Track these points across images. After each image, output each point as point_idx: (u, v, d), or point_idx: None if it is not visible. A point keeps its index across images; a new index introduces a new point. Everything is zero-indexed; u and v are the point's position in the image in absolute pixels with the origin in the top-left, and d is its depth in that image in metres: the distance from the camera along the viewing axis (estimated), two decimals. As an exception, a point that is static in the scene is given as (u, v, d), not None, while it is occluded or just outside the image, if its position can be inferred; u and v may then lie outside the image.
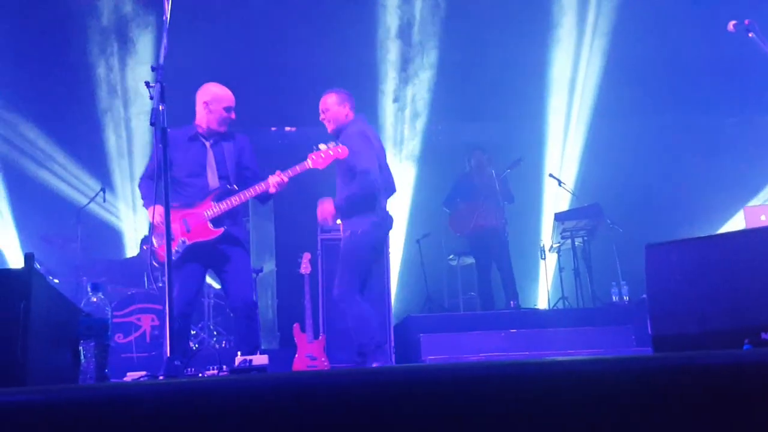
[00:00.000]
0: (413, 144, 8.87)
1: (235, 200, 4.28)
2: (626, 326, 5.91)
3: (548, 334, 6.06)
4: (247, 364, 3.50)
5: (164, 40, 3.70)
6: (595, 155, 8.75)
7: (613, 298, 7.00)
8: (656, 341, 2.57)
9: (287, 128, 9.40)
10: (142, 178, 4.60)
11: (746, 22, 4.10)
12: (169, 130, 3.56)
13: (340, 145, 4.39)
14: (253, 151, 4.61)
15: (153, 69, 3.62)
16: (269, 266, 7.48)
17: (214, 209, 4.26)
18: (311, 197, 7.66)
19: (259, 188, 4.30)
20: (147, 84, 3.55)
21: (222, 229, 4.25)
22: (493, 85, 8.14)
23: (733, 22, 4.14)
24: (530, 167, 8.10)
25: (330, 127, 4.79)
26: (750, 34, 4.07)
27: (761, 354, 1.82)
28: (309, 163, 4.39)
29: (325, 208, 4.65)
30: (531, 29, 8.11)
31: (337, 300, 4.62)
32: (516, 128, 9.02)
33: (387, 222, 4.88)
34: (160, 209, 4.11)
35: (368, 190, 4.63)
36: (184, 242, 4.22)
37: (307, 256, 5.77)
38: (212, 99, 4.42)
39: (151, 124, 3.49)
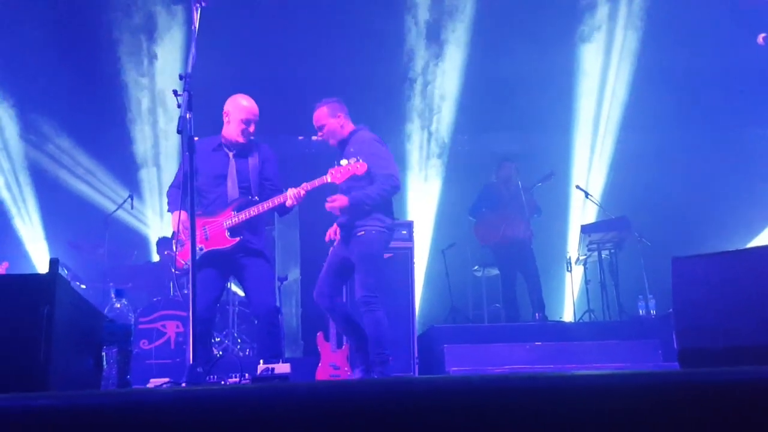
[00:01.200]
0: (439, 154, 8.87)
1: (252, 211, 4.32)
2: (653, 340, 5.82)
3: (574, 347, 5.99)
4: (269, 372, 3.51)
5: (192, 50, 3.76)
6: (622, 167, 8.67)
7: (640, 311, 6.91)
8: (682, 355, 2.52)
9: (314, 137, 9.44)
10: (170, 186, 4.68)
11: None
12: (196, 139, 3.61)
13: (361, 161, 4.37)
14: (276, 163, 4.64)
15: (181, 78, 3.66)
16: (294, 274, 7.50)
17: (233, 219, 4.31)
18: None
19: (276, 200, 4.33)
20: (175, 92, 3.61)
21: (237, 239, 4.30)
22: (521, 95, 8.13)
23: (763, 35, 4.10)
24: (557, 178, 8.04)
25: (331, 142, 4.72)
26: None
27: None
28: (328, 178, 4.38)
29: (339, 198, 4.56)
30: (559, 41, 8.08)
31: (361, 302, 4.52)
32: (543, 139, 8.98)
33: (394, 229, 4.83)
34: (182, 216, 4.18)
35: (390, 194, 4.61)
36: (201, 249, 4.27)
37: (331, 265, 5.76)
38: (233, 110, 4.48)
39: (178, 132, 3.54)
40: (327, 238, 4.85)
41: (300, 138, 9.48)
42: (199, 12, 3.84)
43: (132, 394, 1.82)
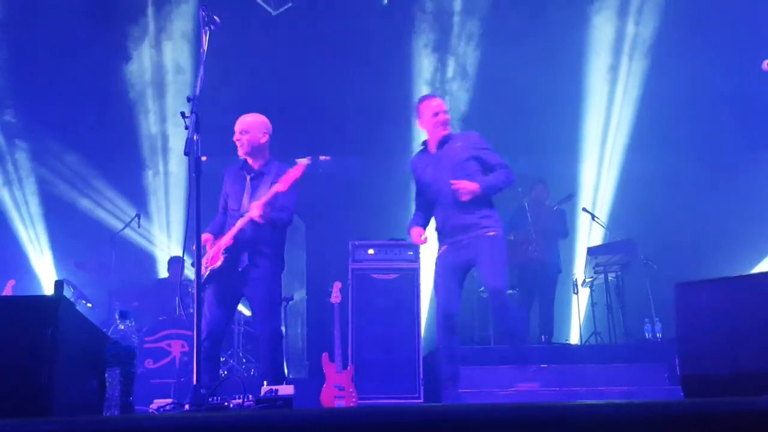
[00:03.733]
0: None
1: (233, 230, 4.31)
2: (659, 364, 5.78)
3: (579, 369, 5.95)
4: (273, 394, 3.50)
5: (201, 72, 3.80)
6: (630, 190, 8.66)
7: (646, 335, 6.86)
8: (685, 381, 2.51)
9: (322, 157, 9.51)
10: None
11: None
12: (204, 159, 3.65)
13: (299, 162, 4.41)
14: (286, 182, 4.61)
15: (189, 100, 3.70)
16: (300, 294, 7.51)
17: (225, 238, 4.33)
18: (342, 226, 7.76)
19: (242, 220, 4.30)
20: (182, 114, 3.64)
21: (220, 259, 4.28)
22: (527, 118, 8.15)
23: (767, 61, 4.11)
24: (574, 201, 8.10)
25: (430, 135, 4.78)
26: None
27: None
28: (276, 186, 4.32)
29: (469, 184, 4.45)
30: (566, 63, 8.12)
31: (502, 291, 4.59)
32: (551, 161, 8.98)
33: None
34: (204, 237, 4.33)
35: (507, 187, 4.65)
36: (207, 269, 4.30)
37: (337, 285, 5.78)
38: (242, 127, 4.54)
39: (186, 153, 3.56)
40: (420, 241, 4.81)
41: (324, 158, 9.55)
42: (208, 35, 3.89)
43: (131, 421, 1.83)
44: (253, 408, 3.19)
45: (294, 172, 4.28)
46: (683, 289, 2.66)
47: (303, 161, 4.54)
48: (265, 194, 4.31)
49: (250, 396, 3.50)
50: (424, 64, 8.33)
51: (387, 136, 8.54)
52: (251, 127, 4.51)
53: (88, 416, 2.03)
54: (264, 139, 4.53)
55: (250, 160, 4.54)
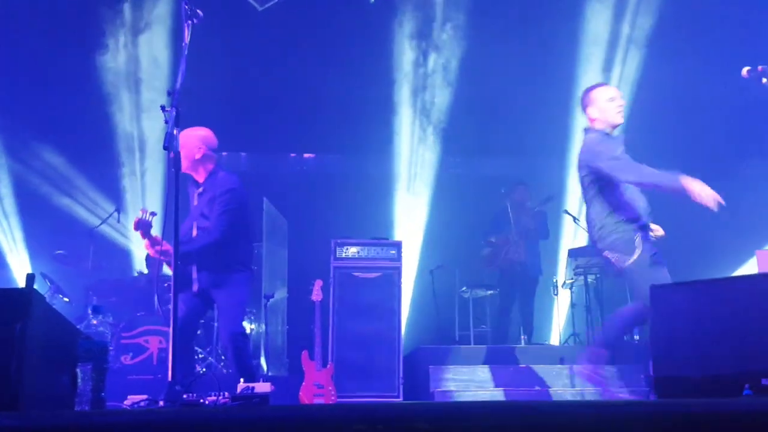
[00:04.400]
0: (427, 174, 8.88)
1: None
2: (635, 365, 5.83)
3: (558, 370, 5.99)
4: (250, 391, 3.49)
5: (182, 66, 3.76)
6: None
7: (624, 337, 6.90)
8: (657, 382, 2.53)
9: (306, 155, 9.50)
10: None
11: (759, 68, 4.10)
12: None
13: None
14: (220, 199, 4.43)
15: (169, 94, 3.66)
16: (281, 292, 7.48)
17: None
18: (325, 224, 7.75)
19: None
20: (162, 108, 3.60)
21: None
22: (514, 119, 8.15)
23: (747, 68, 4.14)
24: (555, 203, 8.12)
25: None
26: (764, 80, 4.07)
27: (759, 404, 1.79)
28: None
29: None
30: (555, 61, 8.09)
31: None
32: (536, 163, 9.01)
33: None
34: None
35: None
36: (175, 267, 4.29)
37: (319, 283, 5.76)
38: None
39: (165, 148, 3.53)
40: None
41: (292, 155, 9.53)
42: (190, 28, 3.85)
43: (100, 416, 1.82)
44: (228, 405, 3.17)
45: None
46: (658, 291, 2.68)
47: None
48: (203, 213, 4.35)
49: (226, 393, 3.49)
50: (407, 61, 8.31)
51: (370, 135, 8.54)
52: (185, 144, 4.29)
53: (57, 411, 2.01)
54: (200, 154, 4.42)
55: (193, 175, 4.49)
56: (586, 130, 4.49)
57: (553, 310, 8.10)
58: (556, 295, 7.77)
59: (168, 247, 4.08)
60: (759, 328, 2.34)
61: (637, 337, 6.85)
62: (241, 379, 3.83)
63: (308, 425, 1.89)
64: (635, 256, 3.93)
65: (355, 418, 1.84)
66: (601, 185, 4.24)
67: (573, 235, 8.71)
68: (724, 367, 2.33)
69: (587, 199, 4.32)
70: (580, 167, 4.36)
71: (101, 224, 7.28)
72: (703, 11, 7.60)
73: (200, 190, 4.49)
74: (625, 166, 4.17)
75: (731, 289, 2.46)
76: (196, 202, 4.50)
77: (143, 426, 1.92)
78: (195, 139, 4.44)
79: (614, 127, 4.46)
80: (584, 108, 4.52)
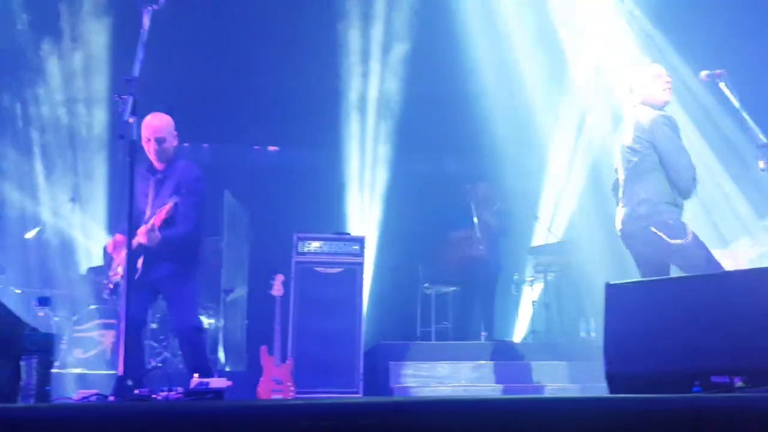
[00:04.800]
0: (389, 171, 8.79)
1: (134, 242, 4.11)
2: (592, 362, 5.89)
3: (517, 366, 6.05)
4: (204, 386, 3.42)
5: (140, 53, 3.67)
6: (570, 192, 8.71)
7: (581, 333, 6.99)
8: (610, 379, 2.55)
9: (270, 147, 9.41)
10: None
11: (717, 72, 4.17)
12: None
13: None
14: (191, 184, 4.43)
15: (126, 81, 3.57)
16: (241, 286, 7.40)
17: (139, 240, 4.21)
18: (288, 219, 7.67)
19: (137, 241, 4.15)
20: (118, 95, 3.51)
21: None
22: (469, 115, 8.07)
23: (705, 72, 4.20)
24: (512, 199, 8.12)
25: None
26: (721, 84, 4.13)
27: (706, 400, 1.81)
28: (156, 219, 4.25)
29: None
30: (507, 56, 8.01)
31: None
32: (497, 160, 8.99)
33: None
34: (117, 239, 4.26)
35: None
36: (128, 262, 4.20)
37: (280, 277, 5.71)
38: (142, 128, 4.34)
39: (120, 137, 3.44)
40: None
41: (256, 147, 9.43)
42: (150, 14, 3.77)
43: (44, 410, 1.76)
44: (179, 400, 3.11)
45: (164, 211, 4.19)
46: (613, 289, 2.70)
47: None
48: (165, 203, 4.24)
49: (180, 388, 3.43)
50: (357, 53, 8.18)
51: (334, 129, 8.47)
52: (167, 133, 4.39)
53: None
54: (176, 143, 4.46)
55: (155, 162, 4.43)
56: (639, 107, 4.40)
57: (514, 307, 8.16)
58: (517, 292, 7.83)
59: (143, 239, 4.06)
60: (709, 326, 2.37)
61: (593, 334, 6.93)
62: (195, 375, 3.77)
63: (257, 421, 1.86)
64: (689, 238, 3.97)
65: (305, 415, 1.82)
66: (655, 164, 4.20)
67: (535, 233, 8.76)
68: (675, 365, 2.36)
69: (636, 173, 4.24)
70: (637, 140, 4.27)
71: (55, 215, 7.12)
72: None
73: (159, 176, 4.41)
74: (682, 154, 4.19)
75: (683, 288, 2.49)
76: (152, 190, 4.40)
77: (90, 421, 1.87)
78: (171, 127, 4.43)
79: (663, 104, 4.42)
80: (632, 87, 4.46)
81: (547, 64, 7.93)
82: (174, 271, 4.31)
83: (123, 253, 4.14)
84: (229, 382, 3.67)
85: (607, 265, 7.09)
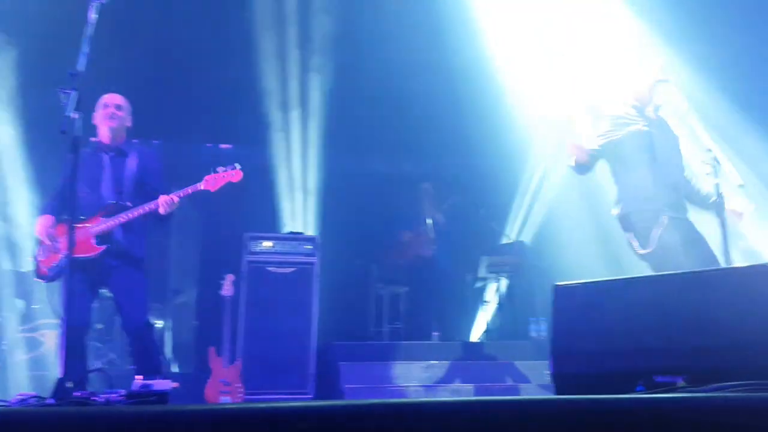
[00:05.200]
0: (336, 174, 8.65)
1: (122, 218, 4.15)
2: (543, 362, 5.96)
3: (469, 366, 6.07)
4: (147, 388, 3.34)
5: (85, 47, 3.58)
6: (525, 193, 8.78)
7: (533, 333, 7.06)
8: (556, 379, 2.57)
9: (222, 145, 9.27)
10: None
11: (664, 78, 4.27)
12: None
13: (238, 168, 4.39)
14: (159, 168, 4.51)
15: (71, 75, 3.48)
16: (191, 286, 7.28)
17: (101, 225, 4.13)
18: (239, 218, 7.55)
19: (147, 207, 4.19)
20: (61, 90, 3.42)
21: (103, 247, 4.12)
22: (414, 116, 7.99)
23: (656, 78, 4.30)
24: (464, 199, 8.15)
25: None
26: (668, 90, 4.24)
27: (650, 400, 1.82)
28: (202, 185, 4.34)
29: None
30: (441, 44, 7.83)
31: None
32: (446, 160, 8.98)
33: None
34: (44, 221, 4.16)
35: None
36: (67, 256, 4.09)
37: (230, 278, 5.64)
38: (97, 106, 4.40)
39: (62, 132, 3.36)
40: None
41: (208, 145, 9.27)
42: (96, 9, 3.69)
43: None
44: (120, 403, 3.03)
45: (229, 176, 4.34)
46: (560, 290, 2.73)
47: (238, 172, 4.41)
48: (128, 177, 4.27)
49: (122, 391, 3.34)
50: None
51: (285, 128, 8.36)
52: (125, 107, 4.48)
53: None
54: (129, 124, 4.50)
55: (108, 140, 4.39)
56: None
57: (468, 307, 8.18)
58: (470, 292, 7.87)
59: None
60: (653, 326, 2.41)
61: (544, 334, 7.01)
62: (138, 376, 3.68)
63: (197, 426, 1.81)
64: None
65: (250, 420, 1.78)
66: None
67: (490, 233, 8.79)
68: (620, 365, 2.39)
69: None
70: None
71: None
72: None
73: (113, 153, 4.38)
74: None
75: (629, 289, 2.53)
76: (107, 166, 4.33)
77: (26, 424, 1.81)
78: (129, 106, 4.48)
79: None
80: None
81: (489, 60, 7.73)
82: (133, 264, 4.25)
83: (65, 240, 4.06)
84: (176, 384, 3.59)
85: (564, 266, 7.18)
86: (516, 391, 5.72)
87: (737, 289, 2.30)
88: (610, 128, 4.32)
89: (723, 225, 3.60)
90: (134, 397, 3.16)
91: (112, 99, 4.43)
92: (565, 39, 7.06)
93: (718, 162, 3.60)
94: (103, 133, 4.40)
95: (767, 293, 2.23)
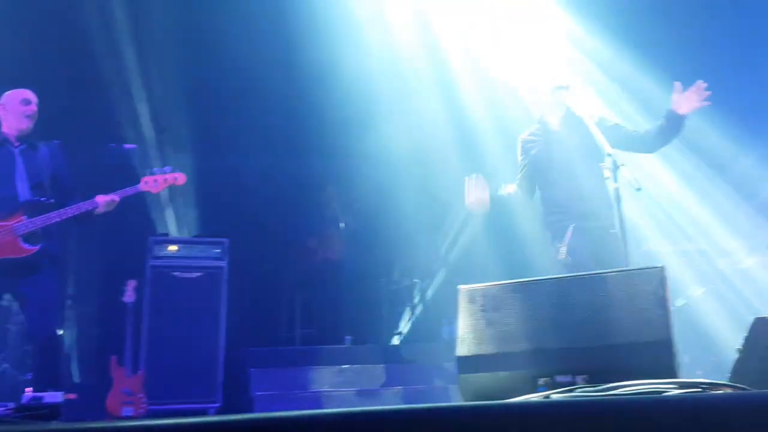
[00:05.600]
0: (246, 175, 8.40)
1: (53, 216, 3.93)
2: (453, 363, 6.03)
3: (381, 370, 6.06)
4: (38, 401, 3.16)
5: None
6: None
7: (445, 336, 7.13)
8: (461, 381, 2.59)
9: (126, 146, 8.95)
10: None
11: (563, 83, 4.42)
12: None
13: (179, 173, 4.27)
14: (66, 163, 4.31)
15: None
16: (92, 292, 6.96)
17: (27, 225, 3.88)
18: (141, 222, 7.28)
19: (84, 206, 3.99)
20: None
21: (36, 248, 3.89)
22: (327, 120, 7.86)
23: (554, 84, 4.45)
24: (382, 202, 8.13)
25: None
26: (567, 97, 4.39)
27: (546, 405, 1.84)
28: (141, 186, 4.16)
29: None
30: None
31: None
32: (351, 162, 8.91)
33: None
34: None
35: None
36: None
37: (132, 283, 5.44)
38: (6, 100, 4.19)
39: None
40: None
41: (112, 145, 8.93)
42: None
43: None
44: (8, 417, 2.85)
45: (172, 179, 4.24)
46: (465, 293, 2.75)
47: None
48: (43, 170, 4.06)
49: (11, 404, 3.15)
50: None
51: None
52: (35, 103, 4.30)
53: None
54: (35, 119, 4.32)
55: (16, 134, 4.17)
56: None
57: (381, 310, 8.18)
58: (385, 295, 7.88)
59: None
60: (553, 327, 2.45)
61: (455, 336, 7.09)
62: (28, 389, 3.49)
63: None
64: None
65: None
66: None
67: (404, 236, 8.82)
68: (522, 366, 2.42)
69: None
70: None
71: None
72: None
73: (24, 146, 4.15)
74: None
75: (529, 290, 2.57)
76: (18, 160, 4.11)
77: None
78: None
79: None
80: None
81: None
82: (48, 269, 4.02)
83: None
84: (72, 395, 3.43)
85: (475, 268, 7.27)
86: (429, 392, 5.76)
87: (631, 290, 2.37)
88: (522, 156, 4.56)
89: (623, 228, 3.71)
90: (24, 410, 2.97)
91: (28, 94, 4.24)
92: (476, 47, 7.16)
93: (617, 166, 3.71)
94: (16, 124, 4.16)
95: (660, 294, 2.31)
